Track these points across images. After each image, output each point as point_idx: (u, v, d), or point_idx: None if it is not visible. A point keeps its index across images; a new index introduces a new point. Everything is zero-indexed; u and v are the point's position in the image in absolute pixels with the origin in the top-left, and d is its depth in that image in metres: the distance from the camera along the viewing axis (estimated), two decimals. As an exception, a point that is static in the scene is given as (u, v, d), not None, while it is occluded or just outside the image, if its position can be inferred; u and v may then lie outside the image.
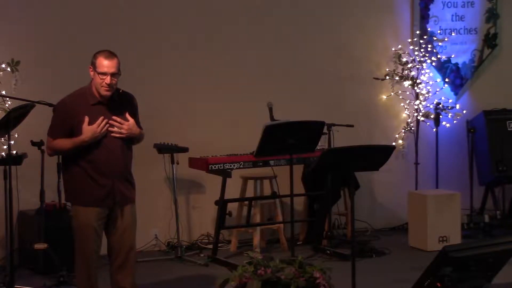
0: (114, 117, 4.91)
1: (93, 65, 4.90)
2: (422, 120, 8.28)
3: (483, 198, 8.33)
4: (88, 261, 4.95)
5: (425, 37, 8.30)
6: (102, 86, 4.86)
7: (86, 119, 4.81)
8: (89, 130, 4.80)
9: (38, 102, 5.89)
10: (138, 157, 7.30)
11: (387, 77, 8.17)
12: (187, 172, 7.28)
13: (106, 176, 4.90)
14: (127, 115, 4.98)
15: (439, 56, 8.41)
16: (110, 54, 4.91)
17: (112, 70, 4.86)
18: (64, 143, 4.88)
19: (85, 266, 4.97)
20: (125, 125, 4.93)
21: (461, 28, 8.58)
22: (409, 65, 8.18)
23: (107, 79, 4.84)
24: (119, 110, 4.97)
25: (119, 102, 4.99)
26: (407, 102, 8.26)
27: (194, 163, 6.95)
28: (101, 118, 4.85)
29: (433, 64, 8.36)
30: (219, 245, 7.16)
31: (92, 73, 4.91)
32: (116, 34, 7.24)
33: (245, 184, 7.34)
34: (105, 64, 4.85)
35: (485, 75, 8.72)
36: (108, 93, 4.88)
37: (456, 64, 8.56)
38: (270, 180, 7.29)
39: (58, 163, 6.19)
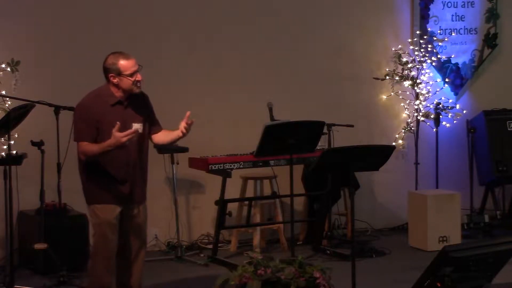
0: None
1: (116, 71, 4.91)
2: (422, 120, 8.28)
3: (483, 198, 8.32)
4: (108, 260, 4.97)
5: (425, 37, 8.30)
6: (134, 85, 4.93)
7: (117, 125, 4.78)
8: (115, 137, 4.79)
9: (38, 102, 5.89)
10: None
11: (387, 77, 8.17)
12: (187, 172, 7.28)
13: (125, 174, 4.96)
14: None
15: (439, 56, 8.41)
16: (125, 54, 4.97)
17: (136, 66, 4.95)
18: (93, 148, 4.88)
19: (105, 264, 4.96)
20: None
21: (461, 28, 8.58)
22: (409, 65, 8.18)
23: (139, 76, 4.93)
24: (136, 110, 5.02)
25: (136, 101, 5.04)
26: (407, 102, 8.26)
27: (194, 163, 6.95)
28: (134, 129, 4.89)
29: (433, 64, 8.36)
30: (219, 245, 7.15)
31: (116, 79, 4.91)
32: (116, 34, 7.24)
33: (245, 184, 7.34)
34: (130, 64, 4.92)
35: (485, 75, 8.72)
36: (140, 89, 4.98)
37: (456, 64, 8.56)
38: (270, 180, 7.29)
39: (58, 163, 6.19)
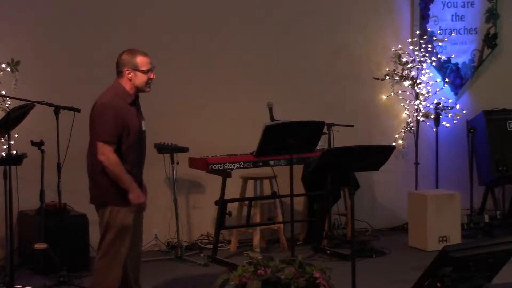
0: None
1: (133, 65, 4.90)
2: (422, 120, 8.28)
3: (483, 198, 8.33)
4: (124, 261, 4.91)
5: (425, 37, 8.30)
6: (148, 83, 4.93)
7: (144, 191, 4.91)
8: (140, 196, 4.83)
9: (38, 102, 5.89)
10: (138, 157, 7.33)
11: (387, 77, 8.17)
12: (187, 172, 7.28)
13: (138, 175, 4.95)
14: None
15: (439, 56, 8.41)
16: (144, 52, 4.97)
17: (151, 65, 4.95)
18: (120, 169, 4.76)
19: (119, 266, 4.89)
20: None
21: (461, 28, 8.58)
22: (409, 65, 8.18)
23: (153, 75, 4.94)
24: (138, 108, 5.03)
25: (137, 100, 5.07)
26: (407, 102, 8.26)
27: (194, 163, 6.95)
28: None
29: (433, 64, 8.36)
30: (219, 245, 7.16)
31: (130, 74, 4.90)
32: (116, 34, 7.24)
33: (245, 184, 7.34)
34: (146, 61, 4.93)
35: (485, 75, 8.73)
36: (150, 89, 4.99)
37: (456, 64, 8.56)
38: (270, 180, 7.29)
39: (58, 163, 6.19)
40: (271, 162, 6.84)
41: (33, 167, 6.27)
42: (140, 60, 4.91)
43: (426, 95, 8.25)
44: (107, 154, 4.76)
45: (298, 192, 7.09)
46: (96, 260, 4.96)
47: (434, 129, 8.20)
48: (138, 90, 4.95)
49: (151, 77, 4.94)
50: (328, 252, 7.14)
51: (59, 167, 6.19)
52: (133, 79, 4.91)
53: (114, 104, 4.83)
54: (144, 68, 4.90)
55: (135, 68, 4.89)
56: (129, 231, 4.89)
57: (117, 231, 4.86)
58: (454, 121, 8.39)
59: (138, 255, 5.11)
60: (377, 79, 8.15)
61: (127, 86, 4.92)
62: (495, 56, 8.74)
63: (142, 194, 4.87)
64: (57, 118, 6.11)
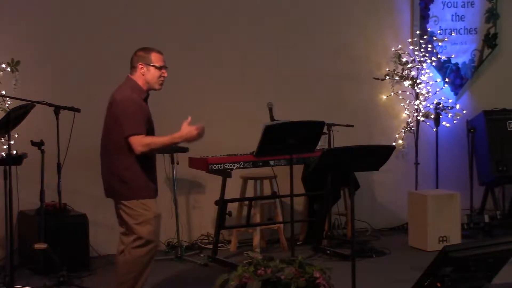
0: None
1: (147, 60, 5.04)
2: (422, 120, 8.28)
3: (483, 198, 8.33)
4: (155, 252, 5.07)
5: (425, 37, 8.30)
6: (159, 80, 5.07)
7: (189, 118, 4.98)
8: (188, 129, 4.95)
9: (38, 102, 5.89)
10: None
11: (387, 77, 8.17)
12: (187, 172, 7.28)
13: (154, 170, 5.11)
14: None
15: (439, 56, 8.41)
16: (158, 49, 5.12)
17: (165, 63, 5.10)
18: (161, 139, 4.96)
19: (151, 257, 5.04)
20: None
21: (461, 28, 8.59)
22: (409, 65, 8.18)
23: (165, 72, 5.09)
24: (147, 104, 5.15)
25: None
26: (407, 102, 8.26)
27: (194, 163, 6.95)
28: (202, 125, 4.99)
29: (433, 64, 8.36)
30: (219, 245, 7.15)
31: (144, 69, 5.03)
32: (116, 34, 7.25)
33: (245, 184, 7.34)
34: (161, 58, 5.10)
35: (485, 75, 8.73)
36: (161, 87, 5.11)
37: (456, 64, 8.56)
38: (270, 180, 7.29)
39: (58, 163, 6.19)
40: (271, 162, 6.84)
41: (33, 167, 6.27)
42: (154, 56, 5.07)
43: (426, 95, 8.25)
44: (142, 143, 4.86)
45: (298, 192, 7.09)
46: (128, 249, 5.02)
47: (434, 129, 8.20)
48: (150, 86, 5.07)
49: (163, 74, 5.08)
50: (328, 252, 7.14)
51: (59, 167, 6.18)
52: (146, 74, 5.04)
53: (134, 98, 4.96)
54: (157, 64, 5.05)
55: (149, 63, 5.04)
56: (159, 221, 5.06)
57: (152, 222, 4.98)
58: (454, 121, 8.40)
59: None
60: (377, 79, 8.15)
61: (140, 81, 5.05)
62: (495, 56, 8.74)
63: (189, 128, 4.96)
64: (57, 118, 6.10)
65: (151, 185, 5.04)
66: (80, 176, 7.03)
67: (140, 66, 5.03)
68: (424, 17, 8.41)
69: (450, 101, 8.43)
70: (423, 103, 8.24)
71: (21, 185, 6.31)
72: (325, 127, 6.77)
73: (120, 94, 4.98)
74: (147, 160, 4.99)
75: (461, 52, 8.58)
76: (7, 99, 6.51)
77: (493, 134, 8.23)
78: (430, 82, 8.30)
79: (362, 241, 7.63)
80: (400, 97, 8.26)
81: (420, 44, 8.24)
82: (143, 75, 5.04)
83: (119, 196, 5.05)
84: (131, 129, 4.87)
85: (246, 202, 7.25)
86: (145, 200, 4.98)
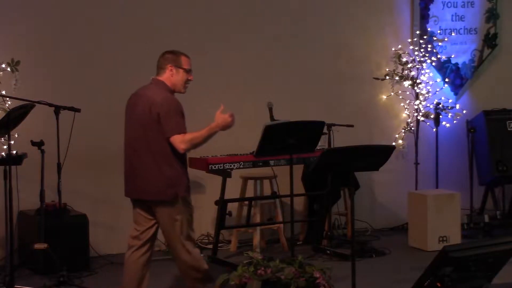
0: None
1: (176, 62, 5.14)
2: (422, 120, 8.28)
3: (483, 198, 8.33)
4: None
5: (425, 37, 8.30)
6: (185, 83, 5.20)
7: (222, 106, 5.11)
8: (222, 118, 5.10)
9: (38, 102, 5.89)
10: (138, 157, 7.32)
11: (387, 77, 8.17)
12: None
13: (186, 168, 5.23)
14: None
15: (439, 56, 8.41)
16: (186, 54, 5.22)
17: (191, 67, 5.22)
18: (200, 133, 5.04)
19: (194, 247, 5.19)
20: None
21: (461, 28, 8.58)
22: (409, 65, 8.18)
23: (192, 76, 5.22)
24: None
25: None
26: (407, 102, 8.26)
27: (194, 163, 6.95)
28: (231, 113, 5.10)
29: (433, 64, 8.36)
30: (219, 245, 7.15)
31: (172, 71, 5.13)
32: (116, 35, 7.25)
33: (245, 184, 7.34)
34: (189, 62, 5.21)
35: (485, 75, 8.73)
36: (186, 91, 5.22)
37: (456, 64, 8.56)
38: (270, 180, 7.29)
39: (58, 163, 6.19)
40: (271, 162, 6.84)
41: (33, 167, 6.27)
42: (184, 59, 5.19)
43: (426, 95, 8.25)
44: (185, 140, 4.97)
45: (298, 192, 7.08)
46: (179, 247, 5.12)
47: (434, 129, 8.20)
48: (175, 88, 5.17)
49: (190, 78, 5.20)
50: (328, 252, 7.14)
51: (59, 167, 6.18)
52: (174, 76, 5.14)
53: (173, 99, 5.08)
54: (186, 67, 5.17)
55: (178, 66, 5.14)
56: (189, 212, 5.22)
57: (190, 217, 5.20)
58: (454, 121, 8.40)
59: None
60: (377, 79, 8.15)
61: (168, 83, 5.14)
62: (495, 56, 8.74)
63: (222, 116, 5.11)
64: (57, 118, 6.10)
65: (187, 183, 5.20)
66: (80, 176, 7.03)
67: (170, 67, 5.12)
68: (424, 17, 8.41)
69: (450, 101, 8.43)
70: (423, 103, 8.24)
71: (21, 185, 6.31)
72: (325, 127, 6.77)
73: (160, 96, 5.03)
74: (182, 159, 5.11)
75: (461, 52, 8.58)
76: (7, 99, 6.51)
77: (493, 134, 8.23)
78: (430, 82, 8.30)
79: (362, 241, 7.62)
80: (400, 97, 8.26)
81: (420, 44, 8.24)
82: (172, 76, 5.13)
83: (157, 196, 5.06)
84: (175, 129, 4.97)
85: (246, 202, 7.25)
86: (187, 197, 5.19)
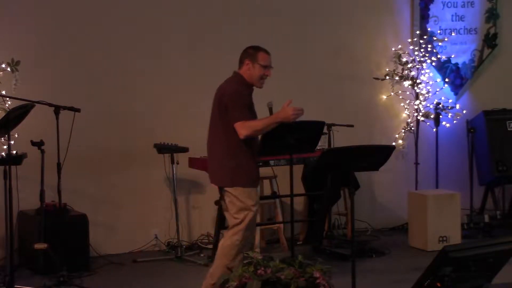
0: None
1: (253, 57, 5.30)
2: (422, 120, 8.28)
3: (483, 198, 8.33)
4: (247, 242, 5.29)
5: (425, 37, 8.30)
6: (262, 79, 5.34)
7: (290, 100, 5.25)
8: (286, 111, 5.20)
9: (38, 102, 5.89)
10: (138, 157, 7.34)
11: (387, 77, 8.17)
12: (187, 172, 7.28)
13: (256, 160, 5.36)
14: None
15: (439, 56, 8.41)
16: (267, 50, 5.36)
17: (271, 64, 5.36)
18: (261, 121, 5.25)
19: (244, 246, 5.23)
20: None
21: (461, 28, 8.58)
22: (409, 65, 8.18)
23: (270, 72, 5.34)
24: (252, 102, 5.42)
25: None
26: (407, 102, 8.26)
27: (194, 163, 6.95)
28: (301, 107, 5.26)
29: (433, 64, 8.36)
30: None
31: (249, 65, 5.30)
32: (116, 34, 7.25)
33: (245, 184, 7.32)
34: (267, 58, 5.34)
35: (485, 75, 8.73)
36: (262, 86, 5.37)
37: (456, 64, 8.56)
38: (270, 180, 7.29)
39: (58, 163, 6.18)
40: (271, 162, 6.83)
41: (33, 167, 6.27)
42: (261, 55, 5.33)
43: (426, 95, 8.25)
44: (245, 126, 5.15)
45: (298, 192, 7.08)
46: (229, 233, 5.26)
47: (434, 129, 8.20)
48: (252, 82, 5.32)
49: (267, 74, 5.34)
50: (328, 252, 7.13)
51: (59, 167, 6.18)
52: (251, 70, 5.30)
53: (240, 90, 5.26)
54: (262, 63, 5.30)
55: (254, 61, 5.29)
56: (258, 209, 5.29)
57: (249, 212, 5.20)
58: (454, 121, 8.39)
59: None
60: (377, 79, 8.15)
61: (245, 75, 5.31)
62: (495, 56, 8.74)
63: (287, 110, 5.22)
64: (57, 118, 6.10)
65: (254, 174, 5.30)
66: (80, 176, 7.03)
67: (247, 62, 5.31)
68: (424, 17, 8.41)
69: (450, 101, 8.42)
70: (423, 103, 8.24)
71: (21, 185, 6.31)
72: (325, 127, 6.77)
73: (228, 87, 5.29)
74: (249, 149, 5.24)
75: (461, 52, 8.58)
76: (7, 99, 6.51)
77: (493, 134, 8.23)
78: (430, 82, 8.30)
79: (362, 241, 7.62)
80: (400, 97, 8.26)
81: (420, 44, 8.24)
82: (248, 70, 5.31)
83: (224, 183, 5.28)
84: (238, 117, 5.17)
85: (246, 202, 7.24)
86: (248, 189, 5.22)
